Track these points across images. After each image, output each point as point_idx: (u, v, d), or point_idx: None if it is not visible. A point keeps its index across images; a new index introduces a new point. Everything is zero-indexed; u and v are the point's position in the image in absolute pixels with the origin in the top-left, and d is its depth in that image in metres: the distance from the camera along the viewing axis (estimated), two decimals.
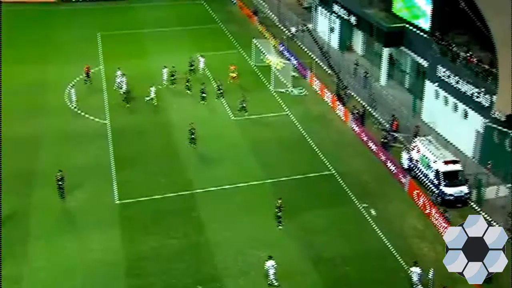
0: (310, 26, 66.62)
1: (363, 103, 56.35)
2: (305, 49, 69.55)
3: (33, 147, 47.07)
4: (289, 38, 69.47)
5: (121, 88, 54.90)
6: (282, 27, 75.99)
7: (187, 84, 56.53)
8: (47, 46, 69.25)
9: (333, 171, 45.61)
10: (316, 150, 48.02)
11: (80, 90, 55.38)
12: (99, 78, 59.63)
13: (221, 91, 54.66)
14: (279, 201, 39.69)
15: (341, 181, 44.66)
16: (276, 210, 39.74)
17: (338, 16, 68.05)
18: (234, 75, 57.67)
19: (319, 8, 73.69)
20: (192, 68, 59.66)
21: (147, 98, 53.26)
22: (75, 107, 53.06)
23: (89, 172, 44.28)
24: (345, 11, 66.38)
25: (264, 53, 60.85)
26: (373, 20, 59.95)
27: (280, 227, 39.63)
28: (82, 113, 52.81)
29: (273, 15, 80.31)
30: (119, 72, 56.03)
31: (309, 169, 45.07)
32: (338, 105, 55.33)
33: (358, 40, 68.63)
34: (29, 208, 40.25)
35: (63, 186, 40.97)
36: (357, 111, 53.02)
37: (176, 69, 58.89)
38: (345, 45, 69.30)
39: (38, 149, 46.95)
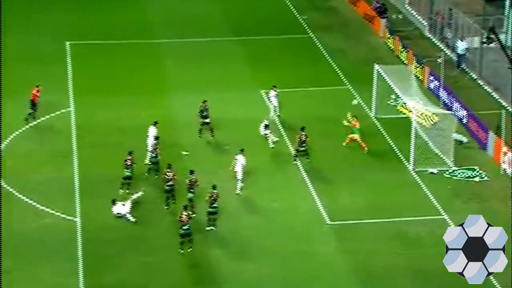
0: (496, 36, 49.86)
1: None
2: (487, 88, 53.40)
3: None
4: (451, 64, 54.39)
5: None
6: (437, 41, 59.71)
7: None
8: None
9: None
10: None
11: (24, 144, 43.62)
12: (67, 128, 46.51)
13: (304, 148, 42.64)
14: None
15: None
16: None
17: None
18: (355, 137, 45.11)
19: None
20: (205, 116, 45.44)
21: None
22: None
23: None
24: None
25: (397, 93, 48.29)
26: None
27: None
28: (17, 194, 39.22)
29: (418, 17, 63.59)
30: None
31: None
32: None
33: None
34: None
35: None
36: None
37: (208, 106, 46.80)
38: None
39: None
